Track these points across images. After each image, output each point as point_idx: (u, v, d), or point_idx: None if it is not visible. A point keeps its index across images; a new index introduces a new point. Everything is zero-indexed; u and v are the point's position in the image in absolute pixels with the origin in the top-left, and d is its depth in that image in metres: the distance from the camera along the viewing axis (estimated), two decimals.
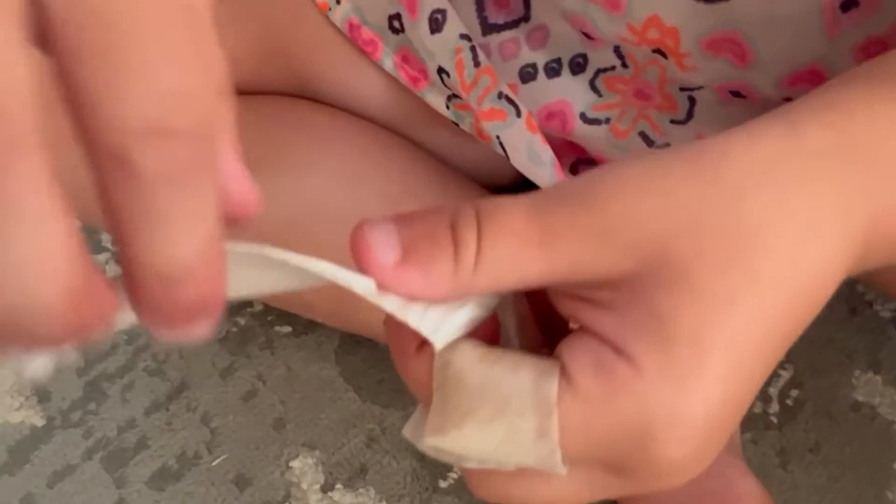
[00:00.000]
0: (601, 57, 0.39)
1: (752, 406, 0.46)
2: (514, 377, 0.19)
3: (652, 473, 0.20)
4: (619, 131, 0.41)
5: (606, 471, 0.20)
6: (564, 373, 0.19)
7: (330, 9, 0.40)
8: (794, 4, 0.32)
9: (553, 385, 0.19)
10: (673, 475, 0.20)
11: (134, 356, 0.51)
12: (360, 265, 0.19)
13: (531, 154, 0.39)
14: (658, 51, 0.35)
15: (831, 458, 0.47)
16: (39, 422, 0.49)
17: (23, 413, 0.49)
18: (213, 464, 0.47)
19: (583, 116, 0.41)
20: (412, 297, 0.19)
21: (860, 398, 0.49)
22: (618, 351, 0.19)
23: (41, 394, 0.49)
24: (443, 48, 0.38)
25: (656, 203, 0.19)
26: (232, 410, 0.49)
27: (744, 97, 0.37)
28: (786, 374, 0.49)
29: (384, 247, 0.19)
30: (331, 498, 0.46)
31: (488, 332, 0.21)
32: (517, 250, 0.19)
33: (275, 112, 0.42)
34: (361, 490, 0.46)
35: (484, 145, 0.46)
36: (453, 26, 0.38)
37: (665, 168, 0.20)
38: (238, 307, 0.52)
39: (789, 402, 0.48)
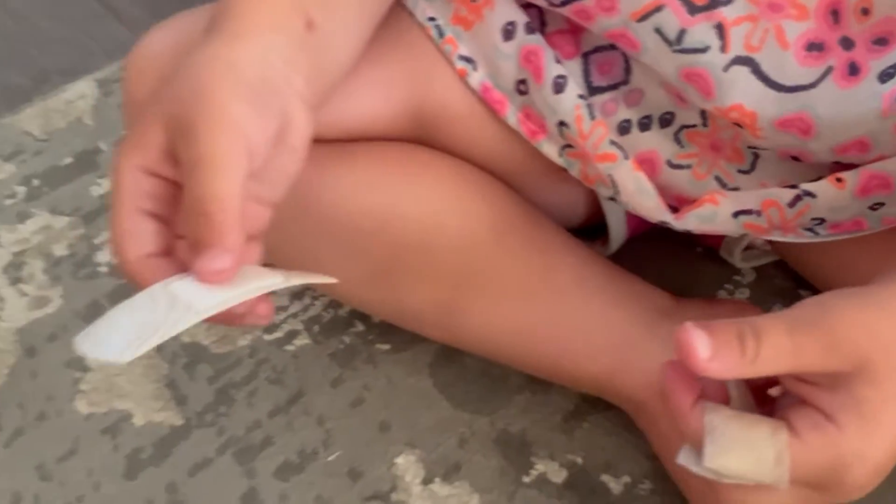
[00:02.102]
0: (686, 115, 0.48)
1: None
2: (758, 429, 0.34)
3: (841, 492, 0.34)
4: (699, 175, 0.50)
5: (812, 488, 0.35)
6: (791, 427, 0.34)
7: (468, 74, 0.49)
8: (863, 92, 0.41)
9: (785, 435, 0.33)
10: (853, 493, 0.35)
11: (256, 367, 0.59)
12: (685, 354, 0.33)
13: (639, 188, 0.48)
14: (736, 123, 0.45)
15: None
16: (178, 421, 0.56)
17: (164, 414, 0.57)
18: (329, 459, 0.55)
19: (668, 163, 0.50)
20: (714, 376, 0.33)
21: None
22: (829, 418, 0.33)
23: (178, 398, 0.57)
24: (564, 106, 0.47)
25: (863, 333, 0.33)
26: (343, 415, 0.57)
27: (800, 160, 0.47)
28: None
29: (702, 346, 0.33)
30: (431, 490, 0.54)
31: (722, 398, 0.36)
32: (778, 357, 0.33)
33: (402, 155, 0.51)
34: (457, 483, 0.54)
35: (583, 192, 0.55)
36: (572, 88, 0.47)
37: (867, 307, 0.34)
38: (343, 327, 0.61)
39: None
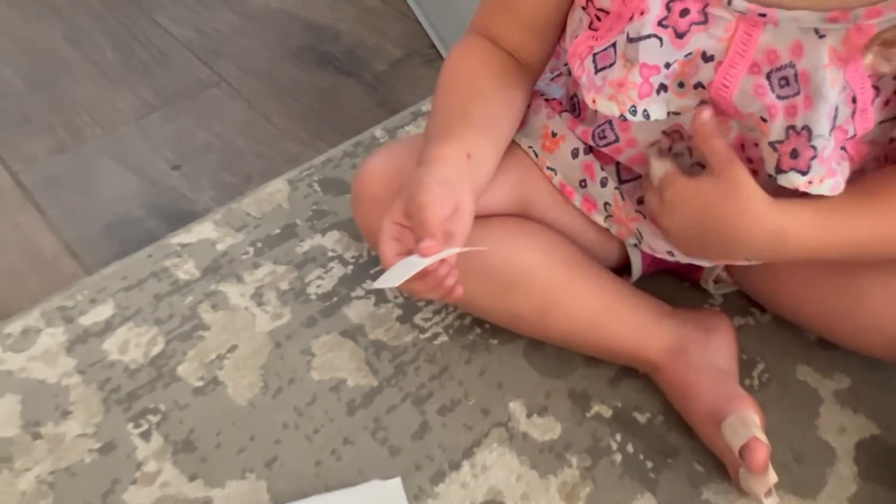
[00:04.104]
0: None
1: (743, 382, 0.91)
2: (663, 162, 0.76)
3: (662, 210, 0.76)
4: None
5: (661, 201, 0.75)
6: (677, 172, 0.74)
7: (552, 177, 0.88)
8: (761, 182, 0.80)
9: (676, 164, 0.75)
10: (662, 216, 0.78)
11: (417, 353, 0.95)
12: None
13: (654, 233, 0.86)
14: None
15: (785, 406, 0.91)
16: (374, 384, 0.93)
17: (365, 379, 0.93)
18: (469, 404, 0.91)
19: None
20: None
21: (799, 377, 0.94)
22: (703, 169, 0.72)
23: (373, 370, 0.94)
24: (607, 194, 0.86)
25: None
26: (474, 380, 0.93)
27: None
28: (760, 366, 0.94)
29: (707, 112, 0.74)
30: (531, 421, 0.90)
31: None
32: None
33: (514, 224, 0.89)
34: (546, 417, 0.90)
35: (616, 244, 0.93)
36: (611, 184, 0.86)
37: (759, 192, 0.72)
38: (467, 330, 0.98)
39: (763, 379, 0.93)
